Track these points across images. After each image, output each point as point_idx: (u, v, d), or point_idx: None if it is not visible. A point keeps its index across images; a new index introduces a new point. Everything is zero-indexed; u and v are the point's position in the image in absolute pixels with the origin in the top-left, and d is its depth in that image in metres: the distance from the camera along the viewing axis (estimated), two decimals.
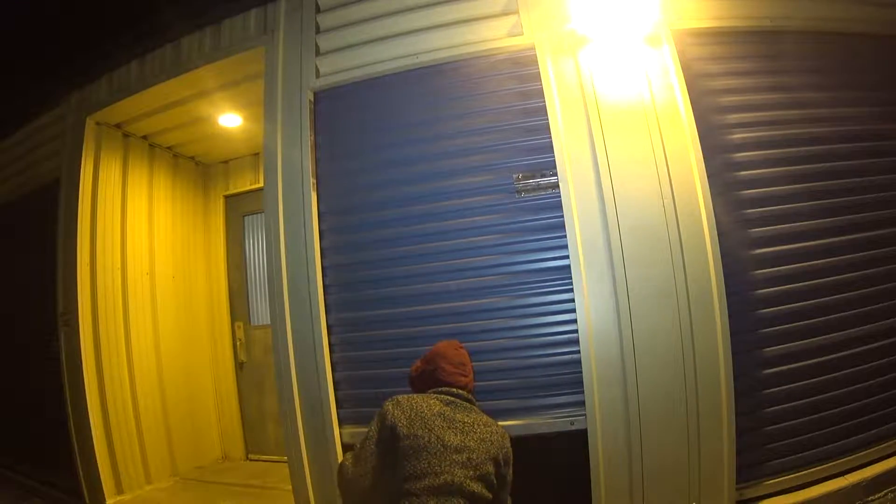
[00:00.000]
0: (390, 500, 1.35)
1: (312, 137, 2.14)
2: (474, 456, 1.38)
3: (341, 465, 1.47)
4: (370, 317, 2.05)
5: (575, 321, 1.85)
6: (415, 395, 1.49)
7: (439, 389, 1.53)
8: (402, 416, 1.42)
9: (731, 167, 1.98)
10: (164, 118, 2.94)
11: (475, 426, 1.44)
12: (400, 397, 1.47)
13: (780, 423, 1.90)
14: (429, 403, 1.46)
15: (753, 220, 1.96)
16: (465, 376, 1.57)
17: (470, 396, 1.54)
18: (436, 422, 1.41)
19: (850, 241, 2.01)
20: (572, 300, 1.87)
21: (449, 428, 1.41)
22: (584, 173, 1.87)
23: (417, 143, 2.08)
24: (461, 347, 1.65)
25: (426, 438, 1.38)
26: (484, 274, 1.97)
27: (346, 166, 2.14)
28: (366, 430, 1.47)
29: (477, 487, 1.35)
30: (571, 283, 1.87)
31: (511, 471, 1.49)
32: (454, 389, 1.53)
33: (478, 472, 1.37)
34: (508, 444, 1.49)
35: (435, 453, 1.37)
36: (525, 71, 2.02)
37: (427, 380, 1.58)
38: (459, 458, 1.37)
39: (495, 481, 1.41)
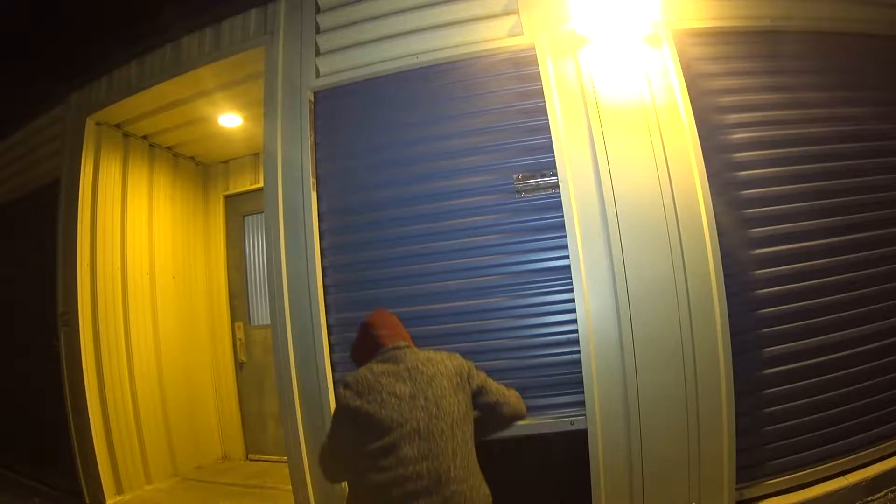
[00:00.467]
0: (370, 472, 1.40)
1: (312, 137, 2.14)
2: (430, 394, 1.45)
3: (321, 467, 1.55)
4: None
5: (575, 321, 1.85)
6: (359, 370, 1.54)
7: (377, 352, 1.58)
8: (352, 394, 1.47)
9: (731, 167, 1.98)
10: (164, 118, 2.94)
11: (419, 368, 1.49)
12: (347, 377, 1.52)
13: (780, 423, 1.90)
14: (371, 369, 1.52)
15: (753, 220, 1.96)
16: (400, 335, 1.62)
17: (407, 344, 1.59)
18: (382, 380, 1.47)
19: (850, 241, 2.01)
20: (572, 300, 1.87)
21: (397, 381, 1.47)
22: (584, 173, 1.87)
23: (417, 143, 2.08)
24: (389, 313, 1.69)
25: (379, 399, 1.44)
26: (484, 274, 1.97)
27: (346, 166, 2.14)
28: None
29: (445, 423, 1.42)
30: (571, 283, 1.87)
31: (481, 376, 1.58)
32: (389, 346, 1.57)
33: (439, 409, 1.43)
34: (461, 362, 1.56)
35: (393, 407, 1.43)
36: (525, 71, 2.02)
37: (365, 354, 1.62)
38: (417, 403, 1.43)
39: (466, 403, 1.50)
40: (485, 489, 1.47)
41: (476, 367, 1.58)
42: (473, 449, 1.50)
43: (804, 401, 1.92)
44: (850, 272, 1.99)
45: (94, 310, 2.75)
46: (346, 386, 1.50)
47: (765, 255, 1.94)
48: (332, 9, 2.26)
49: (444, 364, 1.53)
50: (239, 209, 3.63)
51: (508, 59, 2.04)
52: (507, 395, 1.60)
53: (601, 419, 1.78)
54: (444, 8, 2.11)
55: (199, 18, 2.50)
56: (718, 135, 1.99)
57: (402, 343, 1.59)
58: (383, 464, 1.39)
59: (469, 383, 1.54)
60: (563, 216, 1.88)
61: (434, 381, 1.48)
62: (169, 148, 3.38)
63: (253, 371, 3.49)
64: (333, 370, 2.05)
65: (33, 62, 3.04)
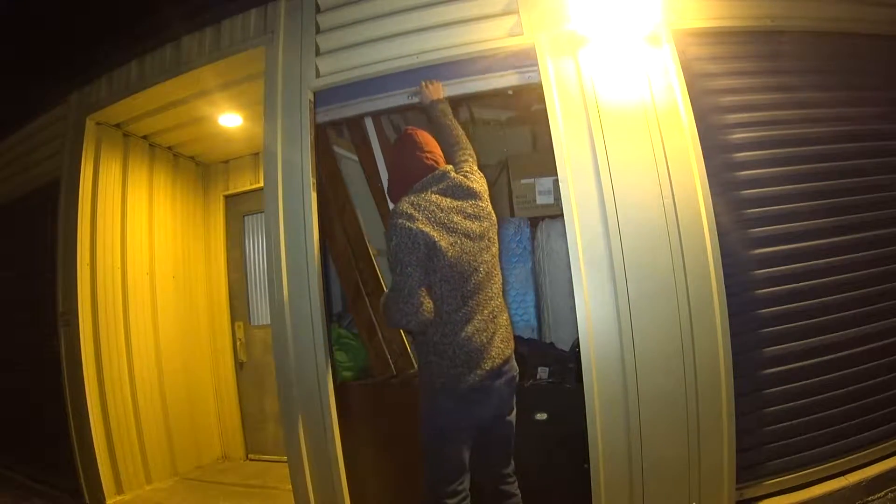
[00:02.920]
0: (452, 321, 1.45)
1: (312, 137, 2.13)
2: (493, 234, 1.56)
3: (391, 312, 1.46)
4: None
5: None
6: (421, 196, 1.51)
7: (425, 176, 1.56)
8: (427, 224, 1.44)
9: (731, 167, 1.97)
10: (164, 118, 2.94)
11: (481, 204, 1.57)
12: (405, 206, 1.47)
13: (780, 423, 1.90)
14: (437, 203, 1.50)
15: (753, 220, 1.95)
16: (443, 158, 1.65)
17: (452, 168, 1.62)
18: (455, 219, 1.50)
19: (850, 241, 2.01)
20: None
21: (466, 219, 1.52)
22: (584, 173, 1.87)
23: None
24: (420, 131, 1.70)
25: (459, 243, 1.47)
26: None
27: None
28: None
29: (498, 262, 1.56)
30: None
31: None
32: (441, 171, 1.57)
33: (497, 248, 1.56)
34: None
35: (469, 251, 1.48)
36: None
37: (409, 177, 1.59)
38: (484, 244, 1.53)
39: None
40: None
41: None
42: None
43: (804, 401, 1.92)
44: (850, 272, 1.99)
45: (94, 310, 2.75)
46: (411, 217, 1.43)
47: (765, 255, 1.94)
48: (332, 9, 2.25)
49: (487, 193, 1.61)
50: (239, 209, 3.62)
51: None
52: None
53: (601, 419, 1.78)
54: (443, 8, 2.11)
55: (199, 18, 2.49)
56: (718, 135, 1.98)
57: (450, 167, 1.60)
58: (464, 314, 1.46)
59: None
60: None
61: (494, 216, 1.58)
62: (169, 148, 3.38)
63: (253, 371, 3.48)
64: (333, 370, 2.05)
65: (33, 62, 3.04)
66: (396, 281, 1.43)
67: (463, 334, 1.45)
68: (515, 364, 1.61)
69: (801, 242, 1.97)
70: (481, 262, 1.51)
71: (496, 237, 1.61)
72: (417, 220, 1.43)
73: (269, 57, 2.27)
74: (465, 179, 1.59)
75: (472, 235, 1.50)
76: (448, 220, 1.48)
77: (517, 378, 1.61)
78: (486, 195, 1.62)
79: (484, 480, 1.60)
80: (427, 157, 1.60)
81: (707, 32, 2.05)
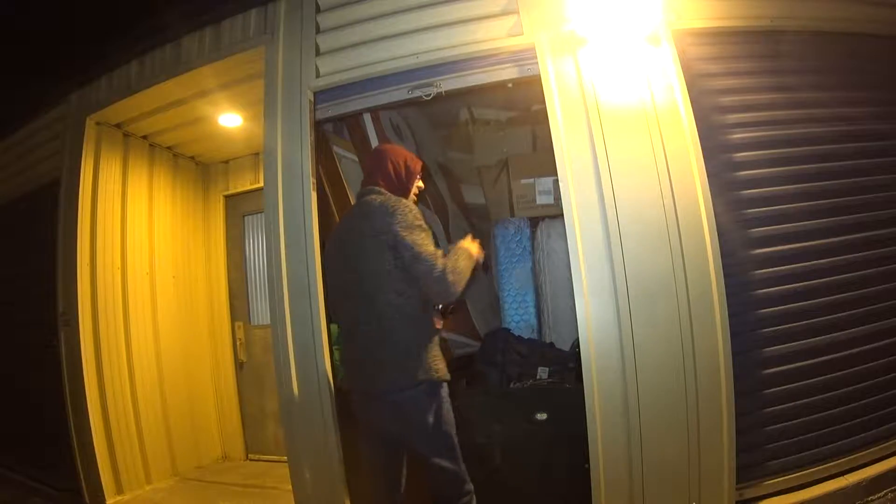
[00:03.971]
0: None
1: (312, 137, 2.13)
2: (353, 256, 1.55)
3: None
4: None
5: None
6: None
7: (361, 189, 1.72)
8: (329, 239, 1.73)
9: (731, 167, 1.97)
10: (164, 118, 2.94)
11: (355, 225, 1.59)
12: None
13: (780, 423, 1.90)
14: (346, 214, 1.75)
15: (753, 220, 1.95)
16: (377, 180, 1.67)
17: (373, 190, 1.64)
18: (335, 233, 1.69)
19: (850, 241, 2.01)
20: None
21: (338, 239, 1.64)
22: (584, 173, 1.87)
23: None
24: (401, 149, 1.79)
25: (330, 255, 1.69)
26: None
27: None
28: None
29: (365, 288, 1.51)
30: None
31: (411, 247, 1.44)
32: (364, 189, 1.68)
33: (359, 273, 1.53)
34: (394, 221, 1.47)
35: (331, 267, 1.69)
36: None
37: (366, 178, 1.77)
38: (348, 264, 1.56)
39: (397, 268, 1.47)
40: (424, 366, 1.45)
41: (415, 230, 1.48)
42: (413, 314, 1.47)
43: (804, 401, 1.92)
44: (850, 272, 1.99)
45: (94, 310, 2.75)
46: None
47: (765, 255, 1.94)
48: (332, 9, 2.25)
49: (372, 223, 1.50)
50: (239, 209, 3.62)
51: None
52: (429, 275, 1.42)
53: (601, 419, 1.78)
54: (444, 8, 2.11)
55: (199, 18, 2.49)
56: (718, 135, 1.98)
57: (367, 190, 1.65)
58: (344, 326, 1.63)
59: (397, 250, 1.46)
60: None
61: (361, 241, 1.53)
62: (169, 148, 3.38)
63: (253, 371, 3.48)
64: (334, 370, 2.05)
65: (34, 62, 3.04)
66: None
67: (346, 345, 1.66)
68: (406, 403, 1.46)
69: (802, 242, 1.97)
70: (345, 282, 1.59)
71: (383, 270, 1.47)
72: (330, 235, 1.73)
73: (269, 57, 2.27)
74: (374, 202, 1.55)
75: (342, 254, 1.60)
76: (337, 233, 1.65)
77: (403, 410, 1.47)
78: (387, 226, 1.47)
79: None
80: (368, 174, 1.72)
81: (707, 32, 2.05)
